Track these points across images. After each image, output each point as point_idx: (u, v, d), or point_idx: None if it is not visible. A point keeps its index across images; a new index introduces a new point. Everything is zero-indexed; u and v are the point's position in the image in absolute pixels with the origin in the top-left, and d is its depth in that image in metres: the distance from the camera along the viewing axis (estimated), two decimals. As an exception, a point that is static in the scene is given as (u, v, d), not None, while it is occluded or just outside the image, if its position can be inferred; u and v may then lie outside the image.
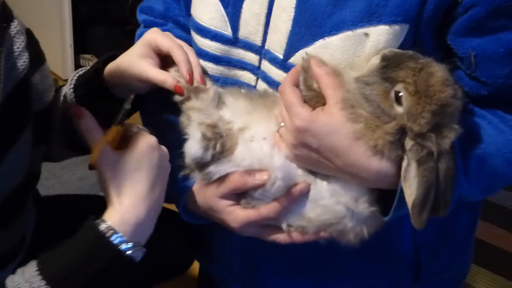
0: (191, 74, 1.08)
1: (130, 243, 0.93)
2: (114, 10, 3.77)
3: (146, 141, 0.99)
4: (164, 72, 1.10)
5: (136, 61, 1.11)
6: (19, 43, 1.07)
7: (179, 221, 1.19)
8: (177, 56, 1.08)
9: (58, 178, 2.78)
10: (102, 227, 0.92)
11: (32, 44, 1.12)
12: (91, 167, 0.99)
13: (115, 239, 0.92)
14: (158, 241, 0.99)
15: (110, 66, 1.14)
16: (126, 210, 0.94)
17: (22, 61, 1.07)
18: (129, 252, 0.93)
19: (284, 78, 1.02)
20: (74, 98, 1.18)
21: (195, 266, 1.58)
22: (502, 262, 2.58)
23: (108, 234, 0.92)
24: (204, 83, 1.09)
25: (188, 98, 1.08)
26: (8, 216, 1.07)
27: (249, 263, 1.25)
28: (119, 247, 0.92)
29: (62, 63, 3.42)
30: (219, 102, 1.10)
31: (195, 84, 1.08)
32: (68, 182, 2.79)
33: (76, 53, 3.60)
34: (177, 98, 1.10)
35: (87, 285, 0.92)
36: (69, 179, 2.82)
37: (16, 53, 1.06)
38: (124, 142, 1.01)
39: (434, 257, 1.22)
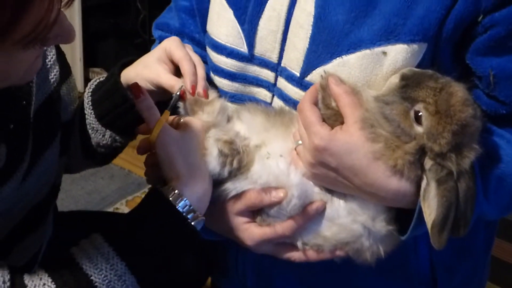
0: (193, 86, 1.08)
1: (195, 212, 0.98)
2: (123, 24, 3.79)
3: (201, 124, 1.04)
4: (175, 78, 1.10)
5: (152, 64, 1.12)
6: (51, 56, 1.08)
7: (196, 238, 1.19)
8: (184, 67, 1.09)
9: (68, 192, 2.79)
10: (172, 195, 0.96)
11: (60, 56, 1.14)
12: (149, 145, 1.03)
13: (183, 207, 0.96)
14: (176, 258, 1.01)
15: (127, 69, 1.16)
16: (195, 182, 0.99)
17: (53, 73, 1.09)
18: (193, 221, 0.97)
19: (303, 96, 1.02)
20: (90, 102, 1.20)
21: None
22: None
23: (177, 202, 0.96)
24: (206, 96, 1.09)
25: (193, 112, 1.08)
26: (31, 226, 1.08)
27: (263, 279, 1.25)
28: (187, 215, 0.97)
29: (72, 76, 3.43)
30: (230, 116, 1.10)
31: (195, 96, 1.08)
32: (77, 196, 2.80)
33: (85, 67, 3.62)
34: (183, 110, 1.10)
35: (153, 255, 0.97)
36: (78, 193, 2.83)
37: (48, 66, 1.08)
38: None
39: (451, 274, 1.21)
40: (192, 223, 0.97)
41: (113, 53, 3.81)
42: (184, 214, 0.97)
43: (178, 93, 1.07)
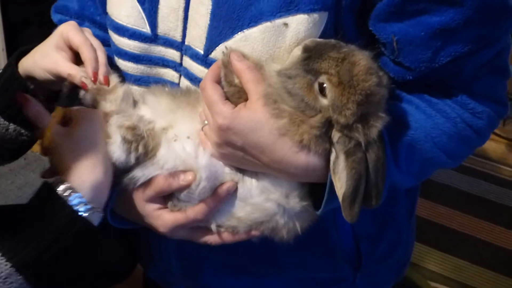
0: (95, 73, 1.03)
1: (89, 205, 0.92)
2: (47, 11, 3.66)
3: (94, 111, 1.02)
4: (75, 66, 1.05)
5: (49, 52, 1.07)
6: None
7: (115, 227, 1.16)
8: (84, 53, 1.04)
9: (-4, 187, 2.70)
10: (60, 187, 0.91)
11: None
12: (45, 149, 0.99)
13: (73, 200, 0.92)
14: (96, 248, 1.00)
15: (25, 58, 1.10)
16: (84, 171, 0.94)
17: None
18: (87, 214, 0.92)
19: (205, 75, 0.98)
20: None
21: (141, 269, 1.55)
22: (449, 240, 2.62)
23: (66, 194, 0.91)
24: (107, 83, 1.04)
25: (96, 102, 1.04)
26: None
27: (187, 264, 1.23)
28: (78, 207, 0.92)
29: (-5, 67, 3.30)
30: (135, 101, 1.06)
31: (97, 84, 1.03)
32: (6, 191, 2.70)
33: (9, 57, 3.49)
34: (85, 99, 1.05)
35: (43, 252, 0.90)
36: (8, 188, 2.73)
37: None
38: (66, 124, 1.02)
39: (374, 245, 1.21)
40: (86, 216, 0.92)
41: (37, 41, 3.67)
42: (75, 208, 0.91)
43: (65, 88, 1.04)
